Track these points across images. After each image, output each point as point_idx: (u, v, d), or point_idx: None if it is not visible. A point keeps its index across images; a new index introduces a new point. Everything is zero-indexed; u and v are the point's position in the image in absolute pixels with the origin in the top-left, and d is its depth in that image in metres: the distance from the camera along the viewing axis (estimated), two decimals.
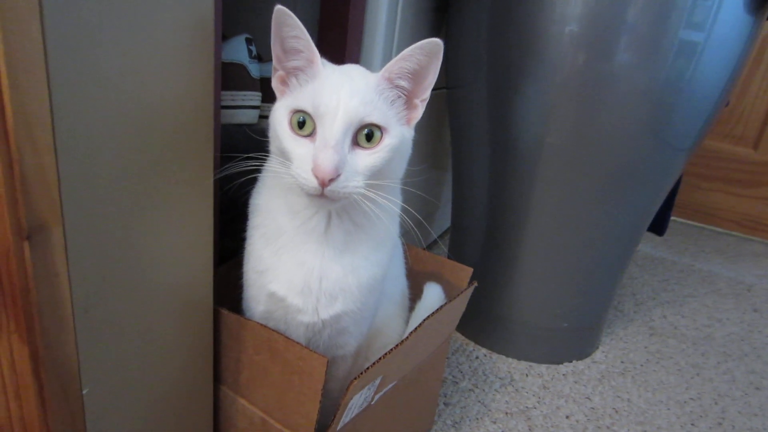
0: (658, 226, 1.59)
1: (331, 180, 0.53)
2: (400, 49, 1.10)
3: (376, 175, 0.57)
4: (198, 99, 0.55)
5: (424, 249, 0.95)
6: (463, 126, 1.20)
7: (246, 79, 0.82)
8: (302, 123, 0.57)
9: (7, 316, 0.46)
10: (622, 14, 0.93)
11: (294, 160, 0.56)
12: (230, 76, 0.80)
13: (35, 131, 0.42)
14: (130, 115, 0.49)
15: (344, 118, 0.54)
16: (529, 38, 0.99)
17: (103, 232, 0.49)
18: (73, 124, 0.44)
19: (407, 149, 0.62)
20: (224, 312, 0.67)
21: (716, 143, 2.05)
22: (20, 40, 0.39)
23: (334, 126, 0.54)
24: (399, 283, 0.80)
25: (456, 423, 0.98)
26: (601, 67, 0.97)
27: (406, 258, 0.82)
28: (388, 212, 0.65)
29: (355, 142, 0.56)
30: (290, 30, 0.57)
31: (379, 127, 0.56)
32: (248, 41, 0.83)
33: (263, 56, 0.91)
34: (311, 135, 0.56)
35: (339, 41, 0.97)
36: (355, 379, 0.59)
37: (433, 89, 0.61)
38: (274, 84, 0.62)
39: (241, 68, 0.82)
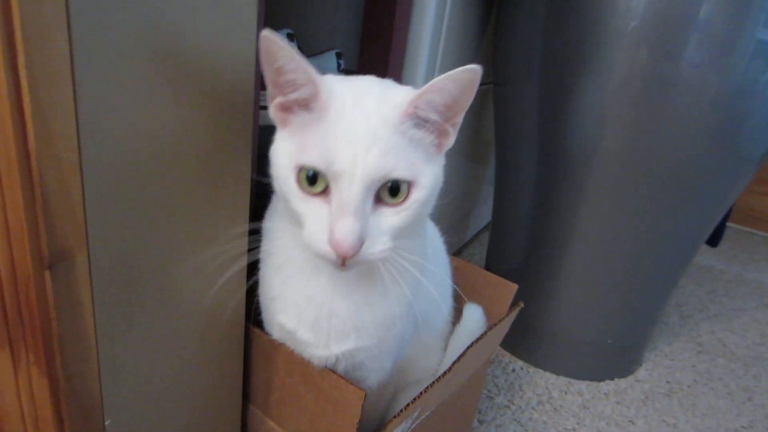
0: (712, 236, 1.50)
1: (354, 253, 0.45)
2: (448, 42, 1.04)
3: (404, 230, 0.49)
4: (236, 111, 0.50)
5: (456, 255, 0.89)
6: (510, 126, 1.13)
7: None
8: (312, 178, 0.47)
9: (26, 347, 0.43)
10: (695, 10, 0.85)
11: (306, 225, 0.48)
12: None
13: (60, 151, 0.38)
14: (162, 136, 0.44)
15: (364, 177, 0.45)
16: (589, 33, 0.92)
17: (131, 255, 0.45)
18: (100, 142, 0.40)
19: (439, 186, 0.52)
20: (257, 331, 0.63)
21: None
22: (45, 52, 0.34)
23: (352, 188, 0.45)
24: (440, 311, 0.72)
25: None
26: (666, 68, 0.89)
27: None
28: (415, 238, 0.57)
29: (378, 198, 0.47)
30: (284, 62, 0.46)
31: (405, 181, 0.47)
32: (290, 36, 0.78)
33: (304, 51, 0.86)
34: (324, 192, 0.47)
35: (384, 32, 0.91)
36: (395, 417, 0.55)
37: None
38: (273, 113, 0.50)
39: None
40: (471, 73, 0.45)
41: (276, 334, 0.62)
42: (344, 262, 0.46)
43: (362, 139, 0.45)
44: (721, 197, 1.04)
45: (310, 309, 0.57)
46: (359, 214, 0.45)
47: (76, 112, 0.37)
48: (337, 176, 0.45)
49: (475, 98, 0.50)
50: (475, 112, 1.32)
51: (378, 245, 0.47)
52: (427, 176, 0.49)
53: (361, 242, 0.45)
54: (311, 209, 0.47)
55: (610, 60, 0.91)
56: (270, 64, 0.46)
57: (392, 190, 0.47)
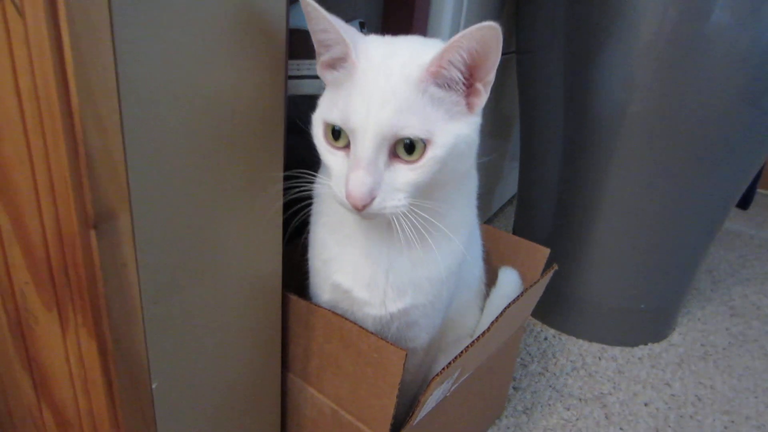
0: (743, 199, 1.48)
1: (365, 204, 0.47)
2: (470, 12, 1.03)
3: (426, 188, 0.50)
4: (268, 80, 0.50)
5: (493, 227, 0.88)
6: (535, 93, 1.11)
7: (311, 47, 0.76)
8: (338, 133, 0.50)
9: (74, 309, 0.43)
10: None
11: (332, 175, 0.51)
12: (295, 44, 0.75)
13: (101, 110, 0.38)
14: (200, 95, 0.44)
15: (375, 133, 0.47)
16: None
17: (172, 217, 0.46)
18: (141, 101, 0.40)
19: (468, 145, 0.52)
20: (293, 298, 0.63)
21: None
22: (84, 8, 0.34)
23: (365, 143, 0.47)
24: (476, 269, 0.74)
25: (527, 409, 0.93)
26: (694, 27, 0.87)
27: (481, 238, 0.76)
28: (463, 195, 0.59)
29: (394, 154, 0.49)
30: (318, 23, 0.49)
31: (420, 138, 0.48)
32: None
33: None
34: (347, 146, 0.50)
35: (406, 1, 0.90)
36: (437, 375, 0.55)
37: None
38: (319, 71, 0.53)
39: (307, 35, 0.76)
40: (488, 29, 0.46)
41: (326, 296, 0.63)
42: (359, 213, 0.49)
43: (378, 96, 0.47)
44: (751, 158, 1.01)
45: (367, 267, 0.58)
46: (371, 168, 0.47)
47: (116, 72, 0.37)
48: (353, 131, 0.48)
49: (499, 75, 0.50)
50: (494, 88, 1.29)
51: (392, 200, 0.49)
52: (447, 135, 0.49)
53: (371, 195, 0.47)
54: (335, 161, 0.51)
55: (637, 21, 0.89)
56: (310, 26, 0.50)
57: (408, 147, 0.48)
